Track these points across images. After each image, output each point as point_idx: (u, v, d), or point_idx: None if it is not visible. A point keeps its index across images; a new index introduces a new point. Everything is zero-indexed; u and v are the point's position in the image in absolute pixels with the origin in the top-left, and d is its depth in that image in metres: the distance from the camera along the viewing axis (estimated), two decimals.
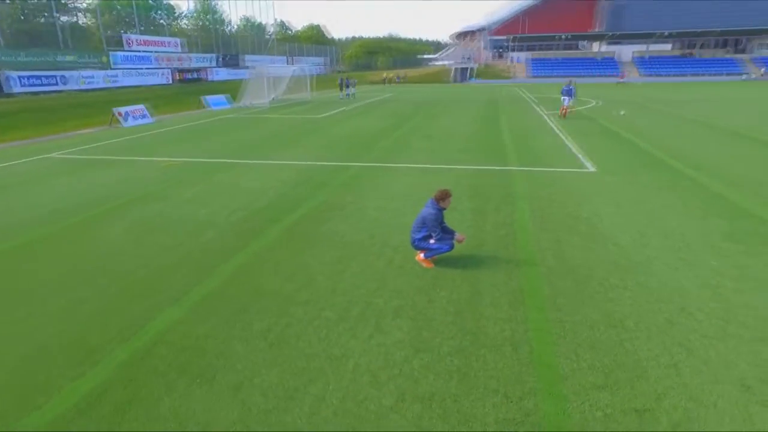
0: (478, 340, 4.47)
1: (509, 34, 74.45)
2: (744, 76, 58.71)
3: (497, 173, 11.03)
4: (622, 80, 52.82)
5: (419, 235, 5.98)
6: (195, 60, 48.78)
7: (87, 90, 34.83)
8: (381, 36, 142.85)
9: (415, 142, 15.73)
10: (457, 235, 6.00)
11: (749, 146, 14.00)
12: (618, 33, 67.86)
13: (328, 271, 5.98)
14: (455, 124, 20.18)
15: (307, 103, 32.92)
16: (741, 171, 10.79)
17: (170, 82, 44.22)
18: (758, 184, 9.67)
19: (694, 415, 3.49)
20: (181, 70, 46.00)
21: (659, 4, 70.97)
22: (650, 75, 62.21)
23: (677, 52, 70.11)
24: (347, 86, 36.32)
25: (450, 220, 6.61)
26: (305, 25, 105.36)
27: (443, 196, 5.89)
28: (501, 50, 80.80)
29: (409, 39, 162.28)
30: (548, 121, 20.56)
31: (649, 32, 65.07)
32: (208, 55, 51.73)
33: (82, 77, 34.63)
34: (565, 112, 21.15)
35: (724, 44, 70.50)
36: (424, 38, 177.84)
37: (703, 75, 61.44)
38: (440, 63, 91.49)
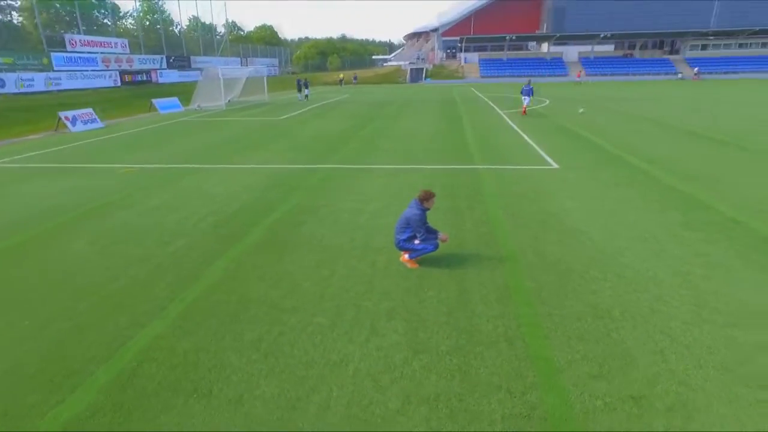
0: (473, 337, 4.52)
1: (460, 35, 75.90)
2: (679, 75, 62.57)
3: (465, 172, 11.21)
4: (579, 79, 55.06)
5: (404, 236, 5.99)
6: (141, 61, 46.73)
7: (27, 93, 32.65)
8: (333, 37, 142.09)
9: (380, 142, 15.75)
10: (441, 235, 6.05)
11: (695, 142, 14.92)
12: (563, 34, 70.60)
13: (314, 276, 5.89)
14: (418, 124, 20.37)
15: (265, 105, 32.28)
16: (690, 165, 11.48)
17: (118, 84, 42.18)
18: (707, 177, 10.31)
19: (684, 398, 3.67)
20: (128, 72, 43.95)
21: (599, 7, 74.25)
22: (595, 74, 65.07)
23: (619, 53, 73.77)
24: (306, 87, 35.87)
25: (429, 219, 6.66)
26: (257, 25, 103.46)
27: (427, 197, 5.92)
28: (452, 51, 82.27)
29: (361, 40, 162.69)
30: (507, 119, 21.12)
31: (592, 33, 68.09)
32: (155, 57, 49.69)
33: (21, 80, 32.43)
34: (524, 110, 22.24)
35: (660, 45, 74.80)
36: (375, 39, 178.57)
37: (642, 74, 64.93)
38: (394, 63, 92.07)
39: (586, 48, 72.02)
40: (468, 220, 7.82)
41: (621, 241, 6.75)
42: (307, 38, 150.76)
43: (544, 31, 78.66)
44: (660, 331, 4.55)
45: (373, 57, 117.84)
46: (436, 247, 5.97)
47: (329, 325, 4.78)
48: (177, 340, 4.55)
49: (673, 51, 72.91)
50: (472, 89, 45.76)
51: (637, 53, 73.05)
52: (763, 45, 69.30)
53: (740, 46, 69.45)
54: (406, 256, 6.09)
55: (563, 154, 12.88)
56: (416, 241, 5.95)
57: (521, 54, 76.39)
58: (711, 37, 69.90)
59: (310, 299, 5.30)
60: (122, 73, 43.12)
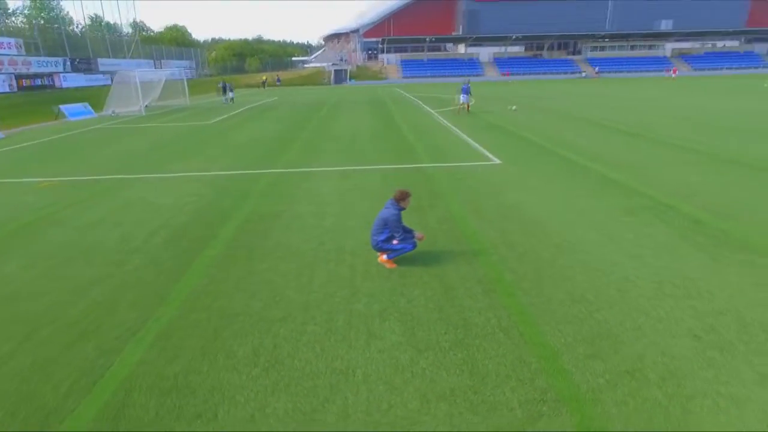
0: (470, 331, 4.63)
1: (380, 36, 76.99)
2: (583, 74, 67.99)
3: (416, 170, 11.41)
4: (507, 79, 57.90)
5: (382, 237, 5.98)
6: (39, 64, 42.39)
7: None
8: (248, 38, 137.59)
9: (322, 144, 15.57)
10: (417, 234, 6.12)
11: (611, 135, 16.30)
12: (478, 36, 73.99)
13: (293, 283, 5.71)
14: (355, 125, 20.38)
15: (187, 109, 30.65)
16: (614, 156, 12.54)
17: (14, 90, 37.92)
18: (631, 166, 11.32)
19: (671, 367, 4.02)
20: (23, 76, 39.66)
21: (510, 10, 78.72)
22: (514, 74, 68.82)
23: (529, 54, 78.66)
24: (229, 90, 34.50)
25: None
26: (166, 26, 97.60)
27: (403, 196, 5.96)
28: (373, 52, 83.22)
29: (279, 41, 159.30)
30: (440, 118, 21.75)
31: (504, 35, 72.06)
32: (56, 59, 45.32)
33: None
34: (460, 109, 23.43)
35: (565, 47, 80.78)
36: (293, 41, 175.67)
37: (550, 73, 69.75)
38: (315, 65, 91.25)
39: (499, 49, 76.06)
40: (431, 217, 7.97)
41: (578, 230, 7.23)
42: (219, 39, 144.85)
43: (460, 32, 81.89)
44: (634, 309, 4.94)
45: (293, 58, 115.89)
46: (415, 246, 6.04)
47: (324, 332, 4.67)
48: (163, 365, 4.21)
49: (576, 52, 79.08)
50: (398, 90, 46.59)
51: (545, 54, 78.29)
52: (650, 47, 77.26)
53: (632, 47, 76.91)
54: (385, 256, 6.09)
55: (501, 150, 13.51)
56: (395, 242, 5.97)
57: (440, 55, 78.99)
58: (606, 40, 76.75)
59: (297, 307, 5.14)
60: (18, 77, 38.86)
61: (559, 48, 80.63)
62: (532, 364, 4.11)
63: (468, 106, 23.39)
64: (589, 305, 5.04)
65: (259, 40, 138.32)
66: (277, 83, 64.00)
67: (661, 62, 72.68)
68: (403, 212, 6.03)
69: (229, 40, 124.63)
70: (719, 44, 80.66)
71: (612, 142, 14.76)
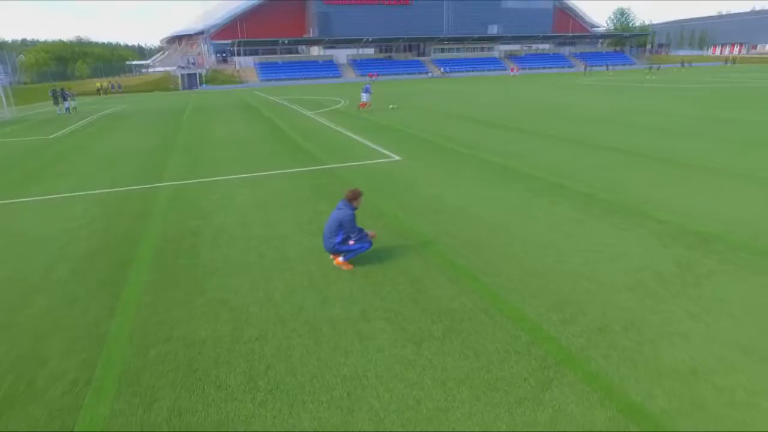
0: (453, 317, 4.82)
1: (230, 38, 73.58)
2: (429, 74, 73.26)
3: (324, 172, 11.29)
4: (373, 79, 59.24)
5: (338, 239, 5.87)
6: None
7: None
8: (68, 40, 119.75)
9: (209, 153, 14.47)
10: (369, 232, 6.13)
11: (485, 128, 17.98)
12: (331, 38, 75.03)
13: (252, 299, 5.31)
14: (235, 131, 19.29)
15: (13, 122, 25.80)
16: (498, 146, 13.90)
17: None
18: (516, 154, 12.68)
19: (628, 319, 4.69)
20: None
21: (360, 13, 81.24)
22: (364, 75, 71.03)
23: (381, 56, 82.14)
24: (64, 99, 29.87)
25: (321, 221, 6.63)
26: None
27: (355, 196, 5.92)
28: (224, 55, 79.20)
29: (105, 43, 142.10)
30: (322, 120, 21.67)
31: (356, 38, 74.22)
32: None
33: None
34: (362, 106, 24.95)
35: (411, 48, 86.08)
36: (120, 42, 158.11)
37: (401, 74, 73.75)
38: (159, 70, 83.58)
39: (353, 51, 78.11)
40: (363, 215, 7.94)
41: (499, 214, 7.91)
42: (31, 41, 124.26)
43: (312, 35, 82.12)
44: (576, 276, 5.62)
45: (131, 63, 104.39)
46: (371, 244, 6.04)
47: (313, 343, 4.46)
48: (143, 413, 3.62)
49: (422, 53, 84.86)
50: (260, 93, 45.11)
51: (395, 55, 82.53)
52: (483, 49, 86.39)
53: (469, 49, 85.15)
54: (341, 258, 5.98)
55: (396, 147, 14.02)
56: (351, 242, 5.91)
57: (296, 57, 78.35)
58: (447, 42, 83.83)
59: (271, 323, 4.80)
60: None
61: (407, 50, 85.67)
62: (522, 337, 4.45)
63: (364, 104, 25.03)
64: (541, 277, 5.60)
65: (81, 42, 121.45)
66: (117, 89, 57.12)
67: (495, 62, 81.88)
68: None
69: (45, 42, 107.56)
70: (535, 47, 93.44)
71: (490, 134, 16.28)
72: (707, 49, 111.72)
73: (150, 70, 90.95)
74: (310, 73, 69.98)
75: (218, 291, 5.50)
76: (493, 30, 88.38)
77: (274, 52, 75.94)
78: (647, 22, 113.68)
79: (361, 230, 6.07)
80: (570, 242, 6.60)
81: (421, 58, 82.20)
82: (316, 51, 79.28)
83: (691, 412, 3.46)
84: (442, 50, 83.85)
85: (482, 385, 3.81)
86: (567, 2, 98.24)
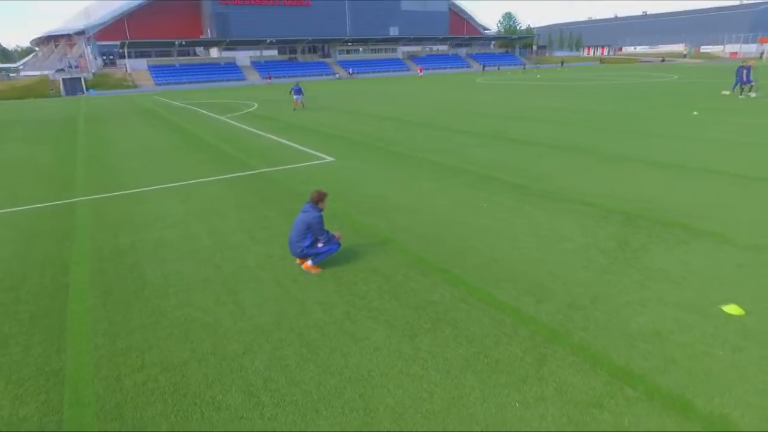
0: (437, 308, 4.93)
1: (117, 39, 67.68)
2: (336, 76, 73.29)
3: (257, 176, 10.87)
4: (269, 81, 57.37)
5: (306, 243, 5.72)
6: None
7: None
8: None
9: (120, 164, 13.23)
10: (335, 233, 6.06)
11: (406, 126, 18.42)
12: (232, 39, 72.00)
13: (223, 313, 5.00)
14: (143, 139, 17.81)
15: None
16: (423, 144, 14.33)
17: None
18: (442, 150, 13.17)
19: (590, 292, 5.13)
20: None
21: (258, 14, 78.80)
22: (267, 77, 69.05)
23: (284, 57, 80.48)
24: None
25: (280, 225, 6.46)
26: None
27: (321, 198, 5.81)
28: (111, 57, 72.62)
29: None
30: (238, 124, 20.77)
31: (258, 39, 71.99)
32: None
33: None
34: (296, 106, 25.37)
35: (316, 50, 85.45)
36: None
37: (307, 75, 72.87)
38: (32, 74, 74.38)
39: (255, 53, 75.69)
40: None
41: (447, 208, 8.20)
42: None
43: (209, 36, 78.21)
44: (533, 258, 6.03)
45: None
46: (339, 244, 5.97)
47: (307, 350, 4.32)
48: None
49: (327, 55, 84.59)
50: (160, 98, 42.09)
51: (299, 57, 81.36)
52: (385, 50, 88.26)
53: (372, 51, 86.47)
54: (309, 262, 5.84)
55: (326, 148, 13.88)
56: (320, 245, 5.80)
57: (194, 60, 74.16)
58: (350, 44, 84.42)
59: (253, 336, 4.57)
60: None
61: (309, 51, 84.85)
62: (506, 320, 4.68)
63: (296, 104, 25.49)
64: (503, 264, 5.92)
65: None
66: None
67: (398, 63, 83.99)
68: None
69: None
70: (435, 48, 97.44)
71: (414, 133, 16.71)
72: (582, 50, 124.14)
73: (18, 74, 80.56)
74: (212, 75, 66.63)
75: (182, 309, 5.10)
76: (394, 32, 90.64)
77: (168, 54, 71.21)
78: (531, 26, 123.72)
79: (327, 232, 5.97)
80: (518, 229, 7.04)
81: (326, 60, 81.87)
82: (215, 53, 75.56)
83: (666, 367, 3.89)
84: (347, 52, 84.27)
85: (484, 369, 3.96)
86: (459, 5, 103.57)
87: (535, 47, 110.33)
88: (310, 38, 76.60)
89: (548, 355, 4.11)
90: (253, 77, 68.11)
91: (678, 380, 3.73)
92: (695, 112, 18.88)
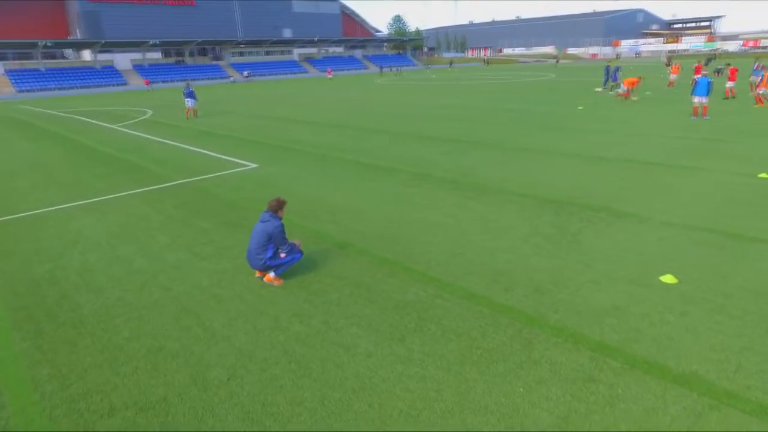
0: (416, 307, 4.96)
1: None
2: (232, 79, 70.16)
3: (182, 187, 10.05)
4: (148, 87, 52.86)
5: (269, 254, 5.43)
6: None
7: None
8: None
9: (7, 183, 11.41)
10: (295, 241, 5.83)
11: (324, 129, 18.19)
12: (108, 41, 65.53)
13: (193, 340, 4.58)
14: (25, 154, 15.53)
15: None
16: (339, 144, 14.28)
17: None
18: (362, 150, 13.24)
19: (550, 276, 5.51)
20: None
21: (135, 13, 72.70)
22: (156, 81, 64.12)
23: (170, 60, 75.14)
24: None
25: (222, 239, 6.11)
26: None
27: (280, 205, 5.56)
28: None
29: None
30: (136, 132, 18.97)
31: (138, 41, 66.38)
32: None
33: None
34: (188, 113, 22.61)
35: (206, 52, 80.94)
36: None
37: (198, 79, 68.64)
38: None
39: (137, 56, 69.70)
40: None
41: (391, 207, 8.27)
42: None
43: (78, 37, 70.49)
44: (490, 249, 6.32)
45: None
46: (302, 252, 5.75)
47: (297, 366, 4.11)
48: None
49: (218, 57, 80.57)
50: (29, 107, 37.04)
51: (188, 60, 76.53)
52: (281, 52, 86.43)
53: (267, 53, 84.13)
54: (272, 274, 5.55)
55: (245, 154, 13.24)
56: (282, 255, 5.54)
57: (62, 63, 66.27)
58: (243, 46, 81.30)
59: (235, 359, 4.24)
60: None
61: (199, 54, 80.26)
62: (484, 311, 4.86)
63: (189, 110, 22.71)
64: (464, 257, 6.14)
65: None
66: None
67: (294, 66, 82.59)
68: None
69: None
70: (330, 50, 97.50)
71: (331, 134, 16.55)
72: (467, 52, 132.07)
73: None
74: (87, 80, 60.12)
75: (139, 340, 4.57)
76: (287, 33, 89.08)
77: (29, 57, 62.85)
78: (419, 28, 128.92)
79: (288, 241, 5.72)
80: (467, 223, 7.33)
81: (218, 62, 77.92)
82: (88, 55, 68.20)
83: (635, 337, 4.31)
84: (240, 54, 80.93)
85: (481, 360, 4.08)
86: (351, 8, 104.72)
87: (425, 49, 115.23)
88: (199, 40, 72.40)
89: (533, 340, 4.34)
90: (137, 82, 62.72)
91: (648, 348, 4.15)
92: (580, 107, 21.03)
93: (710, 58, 54.73)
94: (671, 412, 3.42)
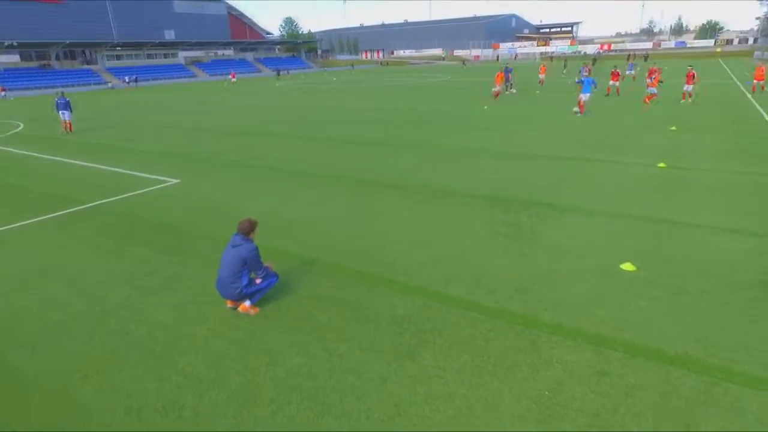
0: (410, 320, 4.84)
1: None
2: (111, 85, 63.74)
3: (95, 212, 8.81)
4: (2, 95, 46.08)
5: (244, 282, 4.95)
6: None
7: None
8: None
9: None
10: (267, 264, 5.37)
11: (230, 138, 17.18)
12: None
13: (179, 392, 4.00)
14: None
15: None
16: (264, 153, 13.64)
17: None
18: (293, 159, 12.77)
19: (523, 272, 5.70)
20: None
21: None
22: (16, 89, 56.04)
23: (33, 64, 66.24)
24: None
25: (168, 267, 5.53)
26: None
27: (252, 227, 5.09)
28: None
29: None
30: (17, 151, 16.29)
31: None
32: None
33: None
34: (65, 126, 19.55)
35: (76, 55, 72.57)
36: None
37: (69, 86, 61.33)
38: None
39: None
40: (207, 250, 6.80)
41: (348, 216, 8.05)
42: None
43: None
44: (458, 252, 6.38)
45: None
46: (277, 274, 5.33)
47: (315, 404, 3.78)
48: None
49: (90, 61, 72.69)
50: None
51: (55, 64, 68.04)
52: (165, 56, 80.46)
53: (149, 56, 77.73)
54: (248, 303, 5.07)
55: (160, 169, 12.01)
56: (258, 280, 5.09)
57: None
58: (120, 48, 74.24)
59: (239, 406, 3.78)
60: None
61: (68, 57, 71.74)
62: (479, 318, 4.89)
63: (69, 125, 19.51)
64: (439, 263, 6.13)
65: None
66: None
67: (181, 69, 77.15)
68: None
69: None
70: (219, 53, 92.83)
71: (246, 143, 15.67)
72: (360, 54, 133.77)
73: None
74: None
75: (111, 400, 3.89)
76: (170, 35, 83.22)
77: None
78: (311, 31, 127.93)
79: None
80: (426, 228, 7.35)
81: (90, 67, 70.25)
82: None
83: (622, 326, 4.61)
84: (117, 57, 73.71)
85: (497, 369, 4.08)
86: (239, 9, 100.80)
87: (319, 51, 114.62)
88: (67, 41, 64.75)
89: (536, 340, 4.45)
90: None
91: (639, 334, 4.46)
92: (485, 107, 22.30)
93: (595, 59, 61.02)
94: (683, 394, 3.70)
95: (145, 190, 10.23)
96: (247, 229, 5.03)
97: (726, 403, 3.60)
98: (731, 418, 3.45)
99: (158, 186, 10.53)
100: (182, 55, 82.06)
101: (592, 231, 7.00)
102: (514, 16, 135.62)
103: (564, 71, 47.51)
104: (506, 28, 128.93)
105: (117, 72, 68.84)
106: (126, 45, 73.16)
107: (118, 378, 4.16)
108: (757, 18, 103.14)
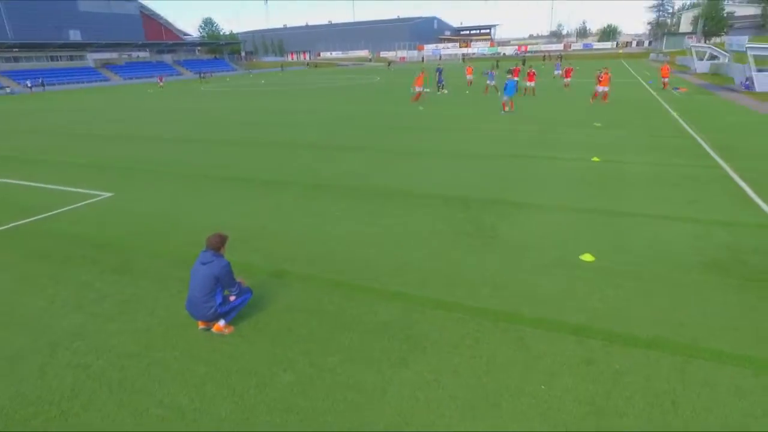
0: (396, 326, 4.80)
1: None
2: (8, 90, 57.69)
3: (16, 233, 7.87)
4: None
5: (218, 300, 4.65)
6: None
7: None
8: None
9: None
10: (239, 280, 5.08)
11: (157, 144, 16.18)
12: None
13: (168, 426, 3.67)
14: None
15: None
16: (195, 160, 12.97)
17: None
18: (225, 165, 12.24)
19: (491, 269, 5.85)
20: None
21: None
22: None
23: None
24: None
25: (119, 290, 5.14)
26: None
27: (223, 242, 4.79)
28: None
29: None
30: None
31: None
32: None
33: None
34: None
35: None
36: None
37: None
38: None
39: None
40: (166, 268, 6.33)
41: (308, 223, 7.81)
42: None
43: None
44: (431, 255, 6.43)
45: None
46: (251, 289, 5.05)
47: (323, 424, 3.63)
48: None
49: None
50: None
51: None
52: (71, 58, 74.17)
53: (52, 58, 71.25)
54: (222, 322, 4.77)
55: (87, 182, 10.99)
56: (232, 297, 4.81)
57: None
58: (16, 50, 67.43)
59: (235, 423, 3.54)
60: None
61: None
62: (463, 318, 4.94)
63: None
64: (411, 266, 6.13)
65: None
66: None
67: (92, 73, 71.42)
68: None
69: None
70: (134, 55, 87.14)
71: (178, 149, 14.82)
72: (286, 55, 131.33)
73: None
74: None
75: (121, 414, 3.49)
76: (75, 35, 76.95)
77: None
78: (233, 32, 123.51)
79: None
80: (391, 231, 7.33)
81: None
82: None
83: (596, 315, 4.86)
84: (14, 60, 66.79)
85: (493, 369, 4.14)
86: (153, 9, 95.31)
87: (243, 53, 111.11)
88: None
89: (523, 336, 4.58)
90: None
91: (613, 323, 4.73)
92: (421, 107, 22.71)
93: (524, 59, 63.80)
94: (663, 375, 3.95)
95: (73, 206, 9.32)
96: (218, 245, 4.72)
97: (700, 378, 3.89)
98: (708, 393, 3.74)
99: (88, 201, 9.63)
100: (91, 57, 76.08)
101: (548, 225, 7.33)
102: (435, 18, 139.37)
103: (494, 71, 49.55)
104: (429, 29, 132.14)
105: (15, 75, 62.48)
106: (24, 46, 66.63)
107: (88, 417, 3.74)
108: (649, 23, 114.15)
